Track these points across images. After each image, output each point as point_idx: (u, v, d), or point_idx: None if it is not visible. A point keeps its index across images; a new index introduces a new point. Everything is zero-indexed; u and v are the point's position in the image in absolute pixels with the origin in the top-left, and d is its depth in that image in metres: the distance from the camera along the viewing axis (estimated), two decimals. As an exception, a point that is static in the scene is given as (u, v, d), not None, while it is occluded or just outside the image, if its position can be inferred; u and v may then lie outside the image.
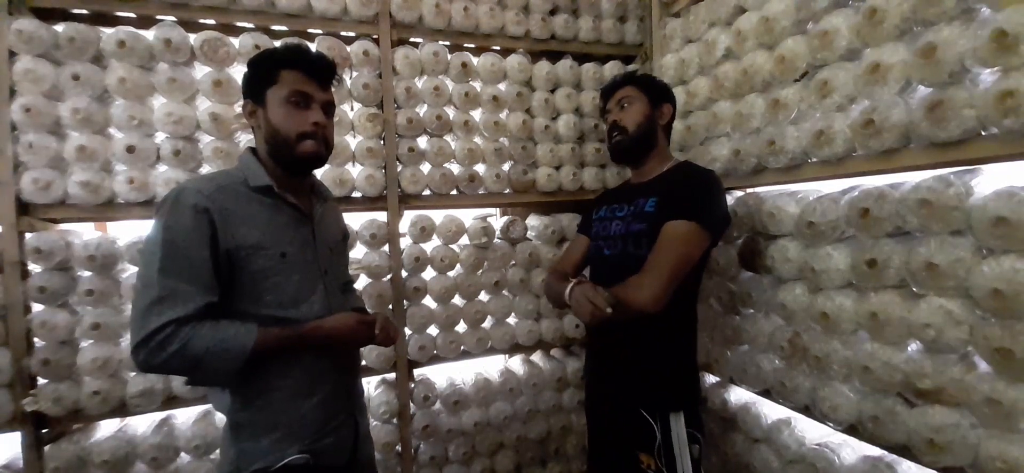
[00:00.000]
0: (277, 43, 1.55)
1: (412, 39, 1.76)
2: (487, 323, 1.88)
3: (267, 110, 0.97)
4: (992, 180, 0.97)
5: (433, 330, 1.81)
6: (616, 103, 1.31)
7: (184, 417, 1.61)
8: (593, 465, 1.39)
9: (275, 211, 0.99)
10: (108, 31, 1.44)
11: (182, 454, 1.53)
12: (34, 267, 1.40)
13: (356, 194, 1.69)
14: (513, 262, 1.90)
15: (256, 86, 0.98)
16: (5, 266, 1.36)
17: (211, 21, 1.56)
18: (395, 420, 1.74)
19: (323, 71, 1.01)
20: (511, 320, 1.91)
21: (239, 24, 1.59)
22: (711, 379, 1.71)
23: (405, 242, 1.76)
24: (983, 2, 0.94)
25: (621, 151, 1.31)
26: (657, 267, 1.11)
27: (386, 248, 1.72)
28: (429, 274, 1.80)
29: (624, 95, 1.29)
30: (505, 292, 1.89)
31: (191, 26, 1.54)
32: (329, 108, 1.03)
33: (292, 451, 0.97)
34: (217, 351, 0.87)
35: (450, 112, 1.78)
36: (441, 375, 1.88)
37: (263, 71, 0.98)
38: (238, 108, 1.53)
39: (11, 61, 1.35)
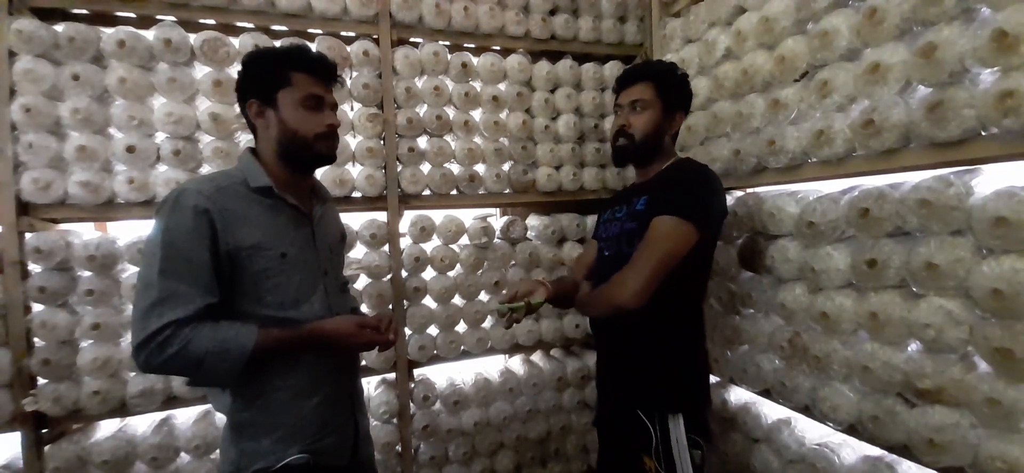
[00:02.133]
0: (277, 43, 1.55)
1: (412, 39, 1.76)
2: (487, 323, 1.88)
3: (280, 112, 0.98)
4: (992, 180, 0.97)
5: (433, 330, 1.81)
6: (629, 102, 1.24)
7: (184, 417, 1.61)
8: (602, 466, 1.38)
9: (275, 212, 0.99)
10: (108, 31, 1.44)
11: (182, 454, 1.54)
12: (34, 267, 1.40)
13: (356, 194, 1.69)
14: (513, 262, 1.90)
15: (265, 87, 0.98)
16: (5, 266, 1.36)
17: (211, 21, 1.57)
18: (395, 420, 1.74)
19: (328, 72, 1.03)
20: (511, 320, 1.91)
21: (239, 24, 1.59)
22: (711, 379, 1.70)
23: (405, 242, 1.76)
24: (983, 2, 0.94)
25: (624, 157, 1.27)
26: (638, 263, 1.09)
27: (386, 248, 1.72)
28: (429, 274, 1.80)
29: (639, 97, 1.22)
30: (505, 292, 1.88)
31: (191, 26, 1.54)
32: (334, 108, 1.05)
33: (293, 451, 0.97)
34: (217, 352, 0.87)
35: (450, 112, 1.78)
36: (441, 375, 1.88)
37: (272, 72, 0.98)
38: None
39: (11, 61, 1.35)
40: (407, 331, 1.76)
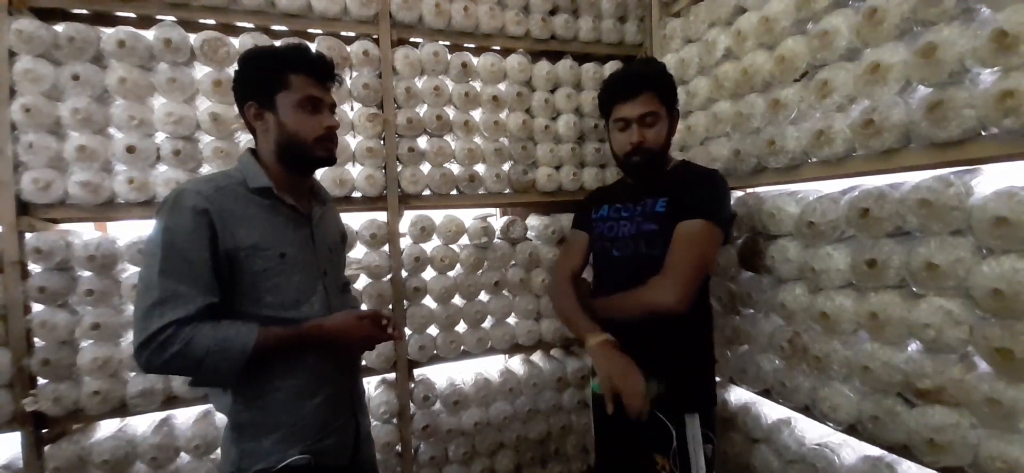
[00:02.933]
0: (277, 43, 1.55)
1: (412, 39, 1.76)
2: (487, 323, 1.88)
3: (278, 114, 0.98)
4: (992, 180, 0.97)
5: (433, 330, 1.81)
6: (638, 116, 1.19)
7: (184, 417, 1.61)
8: (601, 465, 1.37)
9: (273, 212, 0.99)
10: (108, 31, 1.44)
11: (182, 454, 1.53)
12: (34, 267, 1.40)
13: (356, 194, 1.69)
14: (513, 262, 1.90)
15: (263, 89, 0.98)
16: (5, 266, 1.36)
17: (211, 21, 1.56)
18: (395, 420, 1.74)
19: (327, 72, 1.02)
20: (511, 320, 1.91)
21: (239, 24, 1.59)
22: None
23: (405, 242, 1.76)
24: (983, 2, 0.94)
25: (642, 173, 1.25)
26: (679, 267, 1.10)
27: (386, 248, 1.72)
28: (429, 274, 1.79)
29: (648, 109, 1.19)
30: (505, 292, 1.89)
31: (191, 26, 1.54)
32: (333, 108, 1.05)
33: (294, 452, 0.97)
34: (218, 351, 0.87)
35: (450, 112, 1.78)
36: (441, 375, 1.88)
37: (270, 74, 0.98)
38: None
39: (11, 61, 1.35)
40: (407, 331, 1.76)
